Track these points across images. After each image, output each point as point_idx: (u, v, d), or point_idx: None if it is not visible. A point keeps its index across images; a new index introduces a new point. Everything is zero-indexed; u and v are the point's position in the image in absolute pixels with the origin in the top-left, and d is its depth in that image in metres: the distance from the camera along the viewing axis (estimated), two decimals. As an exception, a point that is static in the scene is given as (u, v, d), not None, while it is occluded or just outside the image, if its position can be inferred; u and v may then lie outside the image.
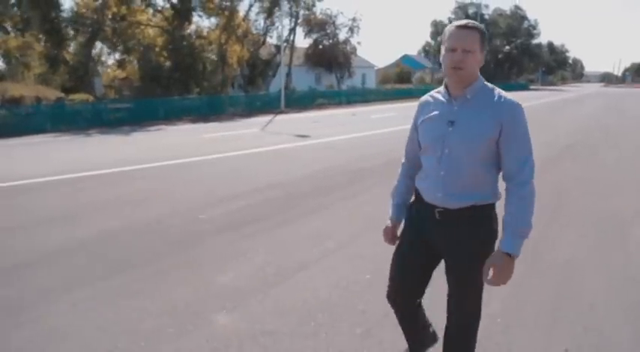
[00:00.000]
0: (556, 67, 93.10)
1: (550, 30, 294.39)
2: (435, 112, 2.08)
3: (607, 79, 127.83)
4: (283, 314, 3.33)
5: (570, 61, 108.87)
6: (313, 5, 35.77)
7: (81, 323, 3.21)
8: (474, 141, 1.99)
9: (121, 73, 31.63)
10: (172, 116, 21.58)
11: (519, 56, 69.48)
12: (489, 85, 2.05)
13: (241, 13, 29.72)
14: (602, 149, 11.15)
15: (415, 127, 2.23)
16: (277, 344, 2.97)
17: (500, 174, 2.09)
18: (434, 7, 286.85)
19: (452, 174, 2.02)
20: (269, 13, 31.24)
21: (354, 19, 39.75)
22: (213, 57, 28.04)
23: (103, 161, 9.77)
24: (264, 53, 34.35)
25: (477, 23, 1.99)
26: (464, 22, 1.98)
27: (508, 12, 69.40)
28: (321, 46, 39.51)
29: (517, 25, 68.74)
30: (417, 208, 2.22)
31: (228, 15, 27.49)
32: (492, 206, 2.10)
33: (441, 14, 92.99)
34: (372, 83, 50.24)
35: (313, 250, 4.55)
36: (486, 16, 64.38)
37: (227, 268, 4.14)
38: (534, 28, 71.10)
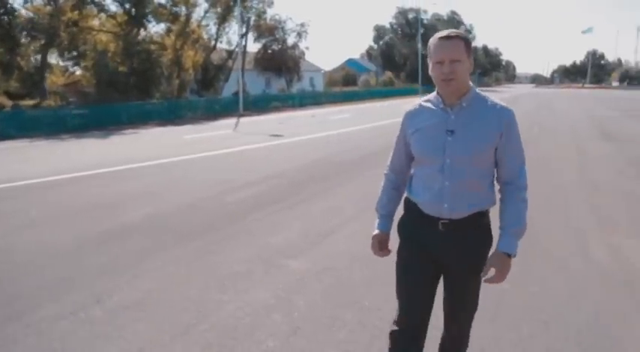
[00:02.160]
0: (491, 69, 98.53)
1: (485, 34, 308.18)
2: (430, 122, 2.03)
3: (537, 80, 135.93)
4: (336, 258, 4.46)
5: (504, 64, 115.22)
6: (264, 12, 36.77)
7: (177, 274, 4.19)
8: (477, 149, 1.99)
9: (67, 79, 31.45)
10: (136, 121, 22.00)
11: (455, 59, 73.02)
12: (480, 92, 2.06)
13: (195, 19, 30.35)
14: (542, 142, 12.85)
15: (404, 139, 2.16)
16: (339, 274, 4.08)
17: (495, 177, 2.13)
18: (376, 12, 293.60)
19: (456, 184, 2.00)
20: (223, 19, 31.95)
21: (302, 25, 41.03)
22: (168, 62, 28.48)
23: (113, 159, 10.53)
24: (215, 58, 34.97)
25: (459, 31, 1.99)
26: (446, 32, 1.96)
27: (445, 17, 73.06)
28: (270, 51, 40.48)
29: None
30: (415, 223, 2.14)
31: (183, 21, 28.06)
32: (488, 212, 2.12)
33: (383, 19, 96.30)
34: (319, 86, 51.72)
35: (334, 220, 5.68)
36: (425, 21, 67.41)
37: (274, 234, 5.20)
38: (470, 32, 75.29)
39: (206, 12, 31.64)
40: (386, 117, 21.59)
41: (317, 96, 38.04)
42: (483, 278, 2.05)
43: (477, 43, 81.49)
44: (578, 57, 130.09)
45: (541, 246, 4.67)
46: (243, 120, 22.11)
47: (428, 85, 59.88)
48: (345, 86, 53.71)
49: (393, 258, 2.27)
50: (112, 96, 24.60)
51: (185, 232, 5.30)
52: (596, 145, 12.17)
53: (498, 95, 50.30)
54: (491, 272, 2.02)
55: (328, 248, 4.77)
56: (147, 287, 3.91)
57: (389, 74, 62.03)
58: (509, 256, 2.00)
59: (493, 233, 2.12)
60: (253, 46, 40.92)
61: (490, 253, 2.08)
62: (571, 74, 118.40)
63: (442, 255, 2.10)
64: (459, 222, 2.03)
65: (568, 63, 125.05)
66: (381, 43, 71.70)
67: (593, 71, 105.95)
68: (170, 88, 28.44)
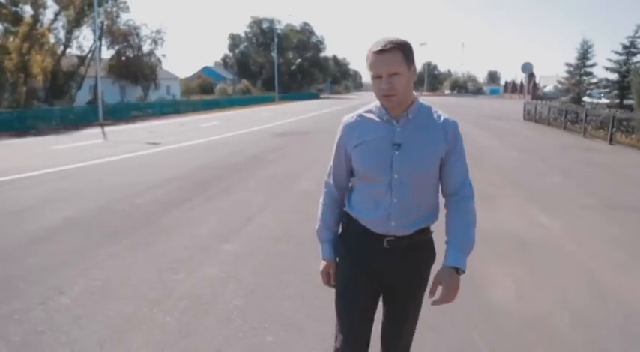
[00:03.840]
0: (340, 77, 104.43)
1: (334, 45, 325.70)
2: (375, 135, 1.90)
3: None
4: (261, 240, 5.25)
5: (351, 73, 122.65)
6: (117, 16, 35.47)
7: (127, 263, 4.66)
8: (425, 163, 1.90)
9: None
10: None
11: (310, 68, 76.41)
12: (424, 102, 1.96)
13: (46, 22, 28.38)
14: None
15: (344, 152, 2.00)
16: (269, 251, 4.88)
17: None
18: (231, 21, 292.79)
19: (404, 200, 1.89)
20: (76, 23, 30.27)
21: (158, 32, 40.23)
22: (13, 68, 26.29)
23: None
24: (65, 64, 32.88)
25: (395, 40, 1.81)
26: (381, 44, 1.80)
27: (298, 28, 75.98)
28: (124, 58, 39.07)
29: (307, 40, 75.74)
30: (356, 240, 2.01)
31: (30, 23, 26.16)
32: (430, 227, 2.03)
33: (238, 28, 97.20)
34: (177, 94, 50.89)
35: (246, 211, 6.43)
36: (279, 31, 69.57)
37: (197, 226, 5.79)
38: (321, 43, 79.35)
39: (57, 14, 29.69)
40: (254, 123, 22.56)
41: (177, 105, 37.51)
42: (432, 300, 1.92)
43: (328, 52, 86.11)
44: (417, 67, 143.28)
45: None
46: (108, 129, 21.39)
47: (285, 93, 62.07)
48: (202, 94, 53.44)
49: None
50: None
51: (111, 231, 5.64)
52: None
53: (353, 102, 54.18)
54: (439, 290, 1.90)
55: (251, 233, 5.52)
56: (104, 277, 4.32)
57: (245, 82, 62.98)
58: (458, 272, 1.89)
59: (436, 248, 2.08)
60: (107, 53, 39.20)
61: (434, 269, 2.01)
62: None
63: (386, 272, 2.00)
64: (403, 238, 1.93)
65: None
66: (236, 51, 72.43)
67: (428, 80, 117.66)
68: (17, 96, 26.28)
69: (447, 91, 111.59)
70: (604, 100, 21.80)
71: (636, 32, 19.44)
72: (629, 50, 20.18)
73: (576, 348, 3.14)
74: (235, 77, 68.78)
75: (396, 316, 2.12)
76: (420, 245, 2.01)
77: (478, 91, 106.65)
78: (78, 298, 3.89)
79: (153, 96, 41.05)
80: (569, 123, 19.21)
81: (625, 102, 18.55)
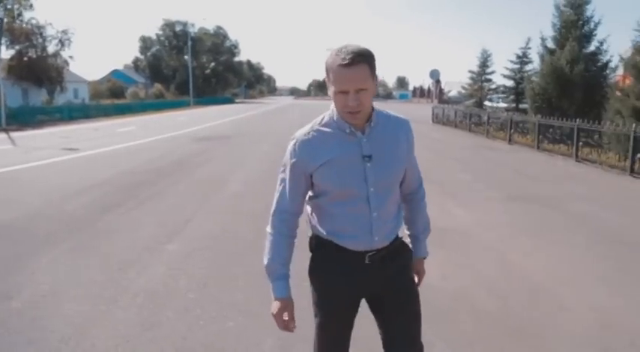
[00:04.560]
0: (255, 82, 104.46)
1: (249, 49, 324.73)
2: (341, 150, 1.78)
3: (296, 92, 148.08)
4: (202, 239, 5.49)
5: (265, 77, 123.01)
6: (20, 14, 33.39)
7: (74, 266, 4.75)
8: (397, 171, 1.88)
9: None
10: None
11: (224, 72, 75.83)
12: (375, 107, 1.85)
13: None
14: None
15: (303, 174, 1.84)
16: (213, 249, 5.15)
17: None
18: (142, 23, 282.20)
19: (383, 212, 1.84)
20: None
21: (64, 32, 38.26)
22: None
23: None
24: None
25: (360, 52, 1.66)
26: (348, 57, 1.64)
27: (212, 31, 75.16)
28: (26, 58, 36.77)
29: (221, 44, 75.12)
30: (333, 263, 1.90)
31: None
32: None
33: (149, 30, 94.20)
34: (85, 98, 48.64)
35: (182, 213, 6.61)
36: (193, 34, 68.44)
37: (137, 229, 5.92)
38: (236, 47, 79.14)
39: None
40: (173, 128, 22.30)
41: (87, 109, 35.93)
42: None
43: (242, 57, 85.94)
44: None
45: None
46: (15, 135, 20.20)
47: (200, 98, 61.16)
48: (113, 98, 51.40)
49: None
50: None
51: (47, 237, 5.61)
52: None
53: (269, 106, 54.54)
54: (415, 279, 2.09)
55: (191, 233, 5.75)
56: (51, 280, 4.38)
57: (158, 86, 61.31)
58: (424, 259, 2.13)
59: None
60: (6, 53, 36.60)
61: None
62: (324, 87, 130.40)
63: (369, 286, 1.94)
64: (382, 249, 1.88)
65: (321, 78, 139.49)
66: (148, 54, 70.40)
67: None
68: None
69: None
70: (502, 104, 23.78)
71: (527, 43, 21.48)
72: (522, 59, 22.26)
73: (492, 314, 3.75)
74: (148, 81, 66.78)
75: (397, 322, 1.96)
76: (396, 250, 1.95)
77: (388, 96, 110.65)
78: (29, 301, 3.95)
79: (59, 99, 38.97)
80: (473, 125, 20.84)
81: (520, 106, 20.42)
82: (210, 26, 76.18)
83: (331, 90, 1.74)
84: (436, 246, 5.30)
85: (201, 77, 69.61)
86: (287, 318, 1.92)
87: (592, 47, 17.17)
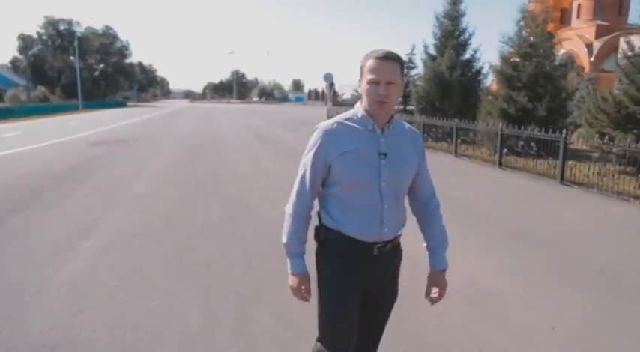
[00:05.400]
0: (147, 84, 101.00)
1: (140, 50, 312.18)
2: (360, 144, 1.93)
3: (191, 95, 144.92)
4: (116, 235, 5.77)
5: (159, 80, 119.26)
6: None
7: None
8: (408, 171, 2.03)
9: None
10: None
11: (114, 74, 72.57)
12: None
13: None
14: (220, 146, 15.63)
15: (324, 160, 1.95)
16: (128, 244, 5.46)
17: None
18: (20, 20, 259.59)
19: (393, 206, 1.98)
20: None
21: None
22: None
23: None
24: None
25: (395, 53, 1.90)
26: (384, 52, 1.88)
27: (100, 31, 71.53)
28: None
29: (110, 44, 71.74)
30: (343, 253, 2.00)
31: None
32: None
33: (29, 28, 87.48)
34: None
35: (93, 213, 6.78)
36: (79, 34, 64.82)
37: (49, 229, 6.03)
38: (127, 48, 75.96)
39: None
40: (65, 133, 21.39)
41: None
42: (428, 299, 2.16)
43: (134, 58, 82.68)
44: (225, 75, 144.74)
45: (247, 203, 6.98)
46: None
47: (89, 101, 58.03)
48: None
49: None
50: None
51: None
52: (257, 146, 15.72)
53: (162, 110, 53.11)
54: (434, 291, 2.14)
55: (105, 230, 5.99)
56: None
57: (42, 89, 57.27)
58: (444, 271, 2.15)
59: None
60: None
61: (425, 273, 2.18)
62: (220, 90, 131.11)
63: (373, 278, 2.06)
64: (388, 242, 2.03)
65: (217, 80, 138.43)
66: (29, 54, 65.45)
67: (237, 88, 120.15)
68: None
69: (256, 99, 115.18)
70: (392, 107, 25.40)
71: (412, 50, 23.25)
72: (408, 65, 23.91)
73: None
74: (29, 83, 62.17)
75: (372, 322, 2.17)
76: (396, 246, 2.11)
77: (284, 99, 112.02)
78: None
79: None
80: (366, 126, 22.02)
81: (408, 107, 22.09)
82: (98, 26, 72.67)
83: (363, 85, 1.93)
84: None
85: (89, 79, 66.15)
86: (304, 290, 2.09)
87: (467, 55, 18.99)
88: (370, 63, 1.88)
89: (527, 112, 13.71)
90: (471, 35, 18.98)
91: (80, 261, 4.96)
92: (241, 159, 12.61)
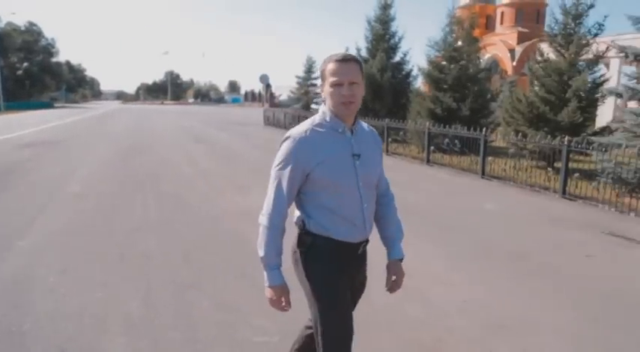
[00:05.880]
0: (76, 85, 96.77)
1: (68, 49, 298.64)
2: (336, 148, 1.99)
3: (123, 96, 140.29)
4: (55, 234, 5.80)
5: (88, 80, 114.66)
6: None
7: None
8: (377, 169, 2.15)
9: None
10: None
11: (40, 74, 69.20)
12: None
13: None
14: (156, 146, 15.52)
15: (301, 170, 1.97)
16: (65, 244, 5.53)
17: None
18: None
19: (370, 205, 2.08)
20: None
21: None
22: None
23: None
24: None
25: (354, 55, 2.01)
26: (342, 55, 1.95)
27: (23, 27, 67.97)
28: None
29: (34, 42, 68.29)
30: (333, 255, 2.05)
31: None
32: None
33: None
34: None
35: (28, 212, 6.71)
36: (-1, 30, 61.42)
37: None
38: (53, 46, 72.49)
39: None
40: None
41: None
42: (387, 288, 2.24)
43: (60, 58, 79.10)
44: (159, 76, 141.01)
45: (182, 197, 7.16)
46: None
47: (12, 102, 54.99)
48: None
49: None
50: None
51: None
52: (194, 146, 15.79)
53: (94, 111, 51.27)
54: (393, 279, 2.22)
55: (41, 229, 5.99)
56: None
57: (-43, 89, 53.94)
58: (401, 260, 2.25)
59: None
60: None
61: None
62: (153, 91, 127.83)
63: (355, 275, 2.19)
64: (367, 240, 2.13)
65: (150, 81, 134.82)
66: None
67: (172, 89, 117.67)
68: None
69: (191, 100, 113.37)
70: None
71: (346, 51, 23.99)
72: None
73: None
74: None
75: (353, 307, 2.23)
76: (366, 243, 2.18)
77: (220, 100, 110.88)
78: None
79: None
80: (302, 126, 22.57)
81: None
82: (20, 22, 69.06)
83: (326, 88, 1.98)
84: (290, 232, 6.31)
85: (12, 78, 62.65)
86: (284, 302, 2.09)
87: (397, 58, 19.83)
88: (331, 66, 1.94)
89: (452, 112, 14.58)
90: (400, 39, 19.81)
91: (17, 259, 4.99)
92: (178, 160, 12.63)
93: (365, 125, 2.19)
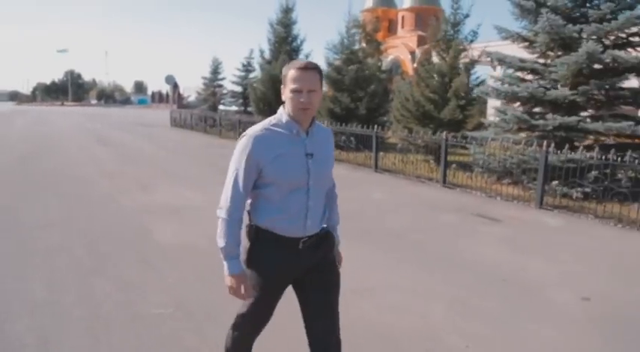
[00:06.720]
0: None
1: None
2: (289, 147, 2.11)
3: (18, 97, 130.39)
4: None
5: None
6: None
7: None
8: (329, 168, 2.28)
9: None
10: None
11: None
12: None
13: None
14: (55, 149, 15.12)
15: (255, 166, 2.10)
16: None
17: None
18: None
19: (317, 202, 2.19)
20: None
21: None
22: None
23: None
24: None
25: (314, 63, 2.10)
26: (304, 63, 2.06)
27: None
28: None
29: None
30: (273, 249, 2.18)
31: None
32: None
33: None
34: None
35: None
36: None
37: None
38: None
39: None
40: None
41: None
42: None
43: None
44: (58, 75, 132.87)
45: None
46: None
47: None
48: None
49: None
50: None
51: None
52: (99, 149, 15.58)
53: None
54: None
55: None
56: None
57: None
58: (338, 244, 2.49)
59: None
60: None
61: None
62: (52, 92, 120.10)
63: (300, 269, 2.24)
64: (313, 236, 2.21)
65: (48, 81, 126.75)
66: None
67: (73, 89, 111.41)
68: None
69: (94, 101, 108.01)
70: (234, 108, 26.24)
71: (250, 54, 24.41)
72: (247, 68, 25.04)
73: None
74: None
75: (323, 306, 2.31)
76: (322, 238, 2.29)
77: (126, 101, 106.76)
78: None
79: None
80: (208, 127, 22.85)
81: (249, 109, 23.16)
82: None
83: (286, 93, 2.10)
84: (170, 217, 6.72)
85: None
86: (244, 289, 2.19)
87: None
88: (292, 73, 2.05)
89: (350, 111, 15.52)
90: (302, 41, 20.61)
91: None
92: (81, 162, 12.40)
93: (322, 126, 2.32)
